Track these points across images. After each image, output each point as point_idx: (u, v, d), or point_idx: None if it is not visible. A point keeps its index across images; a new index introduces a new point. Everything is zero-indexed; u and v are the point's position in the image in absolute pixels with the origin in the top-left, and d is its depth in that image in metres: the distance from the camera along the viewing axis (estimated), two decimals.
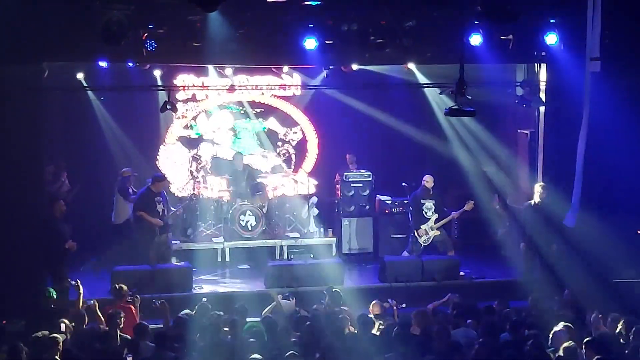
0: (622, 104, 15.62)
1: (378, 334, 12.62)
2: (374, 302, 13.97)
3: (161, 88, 18.13)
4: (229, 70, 19.05)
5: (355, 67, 17.81)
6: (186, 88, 19.89)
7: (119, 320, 12.56)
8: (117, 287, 14.20)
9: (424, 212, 18.26)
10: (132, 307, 13.80)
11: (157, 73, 18.16)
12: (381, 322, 13.10)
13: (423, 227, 18.19)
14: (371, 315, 13.40)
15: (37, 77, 15.18)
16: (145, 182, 17.82)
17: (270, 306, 14.29)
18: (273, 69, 19.67)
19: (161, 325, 13.53)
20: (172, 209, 18.27)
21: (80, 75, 17.39)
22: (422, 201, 18.33)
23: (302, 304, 14.59)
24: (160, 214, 17.40)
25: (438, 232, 18.20)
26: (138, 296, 14.10)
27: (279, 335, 12.16)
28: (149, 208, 17.30)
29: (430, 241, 18.25)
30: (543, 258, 16.77)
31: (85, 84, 17.74)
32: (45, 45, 14.45)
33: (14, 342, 11.55)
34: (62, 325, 12.62)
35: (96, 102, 19.10)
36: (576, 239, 16.14)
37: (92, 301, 13.94)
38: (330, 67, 18.10)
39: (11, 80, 14.47)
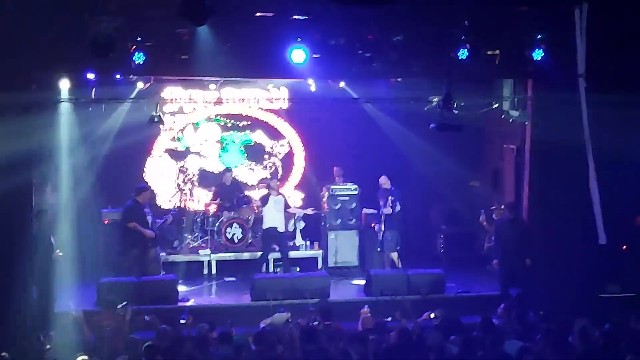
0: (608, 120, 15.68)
1: None
2: (365, 311, 14.04)
3: (148, 100, 18.12)
4: (212, 85, 19.13)
5: (342, 84, 17.90)
6: (173, 101, 19.90)
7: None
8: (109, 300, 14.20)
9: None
10: (121, 319, 13.76)
11: (140, 85, 18.20)
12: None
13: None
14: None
15: (24, 88, 15.16)
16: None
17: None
18: (260, 82, 19.71)
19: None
20: (157, 220, 18.26)
21: (65, 86, 17.26)
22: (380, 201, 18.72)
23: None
24: (150, 224, 17.42)
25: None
26: (128, 309, 14.07)
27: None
28: (138, 220, 17.31)
29: (382, 237, 18.73)
30: (517, 273, 16.81)
31: (69, 96, 17.62)
32: (33, 57, 14.45)
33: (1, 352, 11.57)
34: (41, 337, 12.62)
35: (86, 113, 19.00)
36: (557, 253, 16.27)
37: (78, 312, 13.92)
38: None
39: None
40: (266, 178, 20.45)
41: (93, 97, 17.24)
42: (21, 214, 15.11)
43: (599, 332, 12.50)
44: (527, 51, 15.97)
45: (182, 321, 13.68)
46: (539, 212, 17.24)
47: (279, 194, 19.07)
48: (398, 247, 18.79)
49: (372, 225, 19.39)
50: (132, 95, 18.41)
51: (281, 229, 18.90)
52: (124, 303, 14.23)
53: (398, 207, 18.59)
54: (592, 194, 15.11)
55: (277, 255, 19.25)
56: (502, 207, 18.19)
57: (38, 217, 15.78)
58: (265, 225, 18.87)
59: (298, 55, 15.21)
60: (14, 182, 14.96)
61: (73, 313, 14.14)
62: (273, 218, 18.81)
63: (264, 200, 18.88)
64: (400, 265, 18.58)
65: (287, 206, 19.14)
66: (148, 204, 17.86)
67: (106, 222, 19.01)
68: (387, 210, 18.55)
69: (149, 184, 19.35)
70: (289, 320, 14.10)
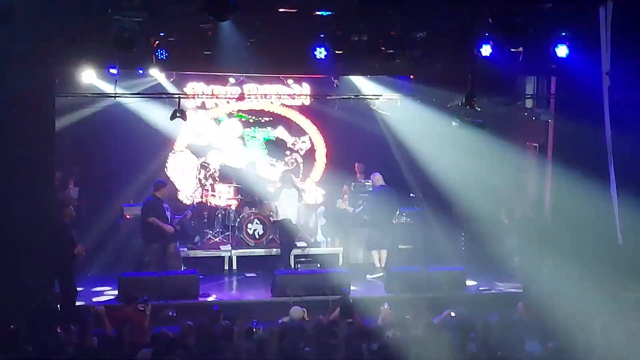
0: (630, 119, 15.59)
1: None
2: (386, 308, 14.01)
3: (171, 96, 18.15)
4: (232, 79, 19.14)
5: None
6: (196, 96, 19.93)
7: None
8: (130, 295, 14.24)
9: None
10: (142, 314, 13.78)
11: (164, 80, 18.24)
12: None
13: None
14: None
15: (48, 83, 15.23)
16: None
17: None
18: (282, 78, 19.70)
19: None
20: (176, 217, 18.30)
21: (91, 79, 17.30)
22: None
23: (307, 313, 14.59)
24: (169, 220, 17.46)
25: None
26: (149, 304, 14.08)
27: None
28: (158, 215, 17.36)
29: None
30: (538, 272, 16.77)
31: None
32: (58, 51, 14.50)
33: (22, 346, 11.59)
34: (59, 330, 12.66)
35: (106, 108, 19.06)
36: (579, 251, 16.21)
37: (100, 306, 13.95)
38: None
39: (23, 85, 14.50)
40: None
41: (115, 91, 17.24)
42: (43, 209, 15.16)
43: (621, 330, 12.45)
44: (551, 48, 15.92)
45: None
46: (561, 210, 17.16)
47: (293, 186, 19.06)
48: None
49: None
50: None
51: (296, 221, 18.96)
52: (145, 297, 14.26)
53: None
54: (611, 194, 14.98)
55: (299, 251, 19.25)
56: (524, 205, 18.15)
57: (60, 211, 15.81)
58: (279, 217, 18.91)
59: (319, 52, 15.24)
60: (36, 176, 15.04)
61: (95, 307, 14.16)
62: (287, 210, 18.83)
63: (276, 194, 18.93)
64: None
65: (300, 199, 19.13)
66: (167, 199, 17.89)
67: (128, 217, 19.06)
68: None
69: (167, 180, 19.37)
70: (305, 317, 14.11)
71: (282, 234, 18.97)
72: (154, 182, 18.01)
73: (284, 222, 18.81)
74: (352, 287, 17.14)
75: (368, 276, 18.55)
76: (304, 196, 19.67)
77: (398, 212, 19.51)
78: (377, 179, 18.95)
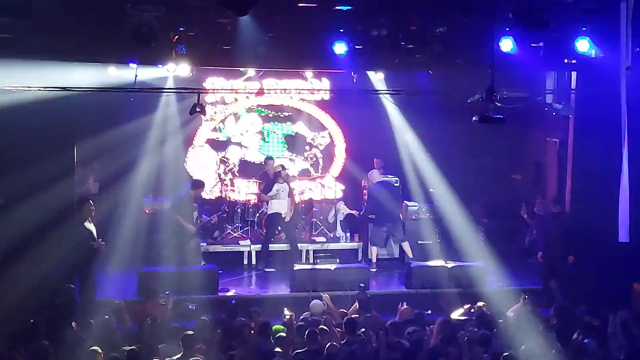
0: None
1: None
2: (405, 307, 13.98)
3: (190, 90, 18.12)
4: (251, 72, 19.09)
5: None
6: (215, 91, 19.92)
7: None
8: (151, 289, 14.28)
9: None
10: (163, 308, 13.80)
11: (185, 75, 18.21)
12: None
13: None
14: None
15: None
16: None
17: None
18: (301, 73, 19.66)
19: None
20: (204, 217, 18.37)
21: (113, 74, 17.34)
22: None
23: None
24: (195, 220, 17.51)
25: None
26: (170, 299, 14.11)
27: None
28: (185, 212, 17.44)
29: None
30: (560, 268, 16.69)
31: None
32: (77, 46, 14.52)
33: (41, 340, 11.64)
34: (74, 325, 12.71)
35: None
36: (600, 246, 16.13)
37: (119, 301, 14.00)
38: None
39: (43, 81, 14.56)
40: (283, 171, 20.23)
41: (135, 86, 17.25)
42: (63, 204, 15.21)
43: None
44: (572, 43, 15.81)
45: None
46: (582, 205, 17.08)
47: (285, 182, 19.09)
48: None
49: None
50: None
51: (285, 215, 18.99)
52: (167, 292, 14.30)
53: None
54: (621, 189, 14.84)
55: (318, 246, 19.24)
56: (544, 200, 18.06)
57: (80, 206, 15.86)
58: (270, 211, 18.92)
59: (339, 47, 15.21)
60: (56, 171, 15.10)
61: (115, 302, 14.20)
62: (278, 205, 18.86)
63: (268, 187, 18.95)
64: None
65: (290, 194, 19.14)
66: (199, 199, 17.93)
67: (147, 211, 19.08)
68: None
69: (187, 174, 19.44)
70: (326, 310, 14.10)
71: (267, 227, 19.11)
72: (193, 180, 18.40)
73: (272, 216, 18.94)
74: (370, 282, 17.12)
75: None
76: (294, 192, 19.66)
77: (416, 207, 19.52)
78: (374, 176, 18.99)
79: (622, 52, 14.02)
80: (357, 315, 13.78)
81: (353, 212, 19.37)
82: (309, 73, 19.37)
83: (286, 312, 13.75)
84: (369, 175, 19.34)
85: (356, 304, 14.46)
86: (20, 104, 15.10)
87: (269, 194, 18.94)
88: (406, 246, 18.86)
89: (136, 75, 16.28)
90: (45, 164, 14.95)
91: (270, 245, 19.05)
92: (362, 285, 15.67)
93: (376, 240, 18.99)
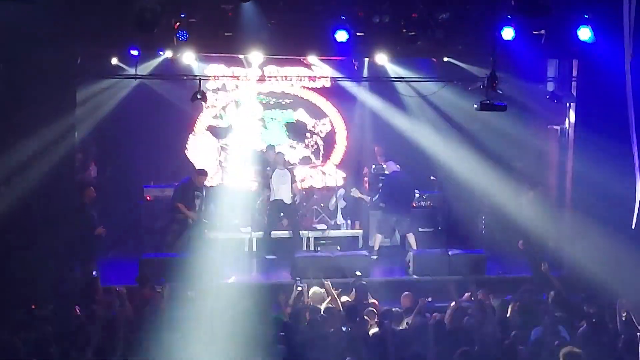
0: None
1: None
2: (406, 294, 13.99)
3: (191, 77, 18.12)
4: (254, 59, 19.03)
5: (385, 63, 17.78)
6: (216, 78, 19.88)
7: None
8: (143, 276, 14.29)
9: None
10: (158, 296, 13.79)
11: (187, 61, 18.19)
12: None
13: None
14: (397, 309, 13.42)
15: (70, 63, 15.25)
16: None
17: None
18: (303, 60, 19.62)
19: None
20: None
21: (114, 61, 17.35)
22: None
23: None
24: (197, 208, 17.50)
25: None
26: (167, 285, 14.10)
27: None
28: (187, 200, 17.43)
29: None
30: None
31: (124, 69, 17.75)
32: (79, 32, 14.52)
33: (43, 326, 11.64)
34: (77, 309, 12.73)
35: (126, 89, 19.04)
36: (600, 235, 16.14)
37: (121, 288, 13.99)
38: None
39: (45, 66, 14.53)
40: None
41: (136, 73, 17.26)
42: (64, 190, 15.21)
43: None
44: (573, 31, 15.81)
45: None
46: (583, 194, 17.09)
47: (285, 168, 19.10)
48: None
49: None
50: None
51: (288, 201, 18.94)
52: (162, 279, 14.30)
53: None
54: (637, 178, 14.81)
55: (319, 233, 19.26)
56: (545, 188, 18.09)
57: (81, 192, 15.86)
58: (271, 198, 18.95)
59: (340, 34, 15.18)
60: (57, 157, 15.09)
61: (116, 288, 14.20)
62: (278, 191, 18.86)
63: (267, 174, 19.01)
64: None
65: (292, 180, 19.13)
66: (202, 187, 17.92)
67: (148, 198, 19.09)
68: None
69: (187, 161, 19.44)
70: (328, 295, 14.11)
71: (269, 214, 19.08)
72: (197, 168, 18.49)
73: (274, 203, 18.89)
74: (371, 270, 17.14)
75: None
76: (296, 179, 19.65)
77: (417, 195, 19.51)
78: (391, 166, 18.94)
79: (625, 40, 14.00)
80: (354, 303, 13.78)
81: (364, 197, 19.26)
82: (312, 59, 19.28)
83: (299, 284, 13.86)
84: (386, 164, 19.24)
85: (354, 291, 14.46)
86: None
87: (264, 182, 18.98)
88: (411, 238, 18.79)
89: (137, 62, 16.32)
90: (45, 149, 14.91)
91: (272, 232, 19.03)
92: (358, 273, 15.74)
93: (383, 229, 18.92)
